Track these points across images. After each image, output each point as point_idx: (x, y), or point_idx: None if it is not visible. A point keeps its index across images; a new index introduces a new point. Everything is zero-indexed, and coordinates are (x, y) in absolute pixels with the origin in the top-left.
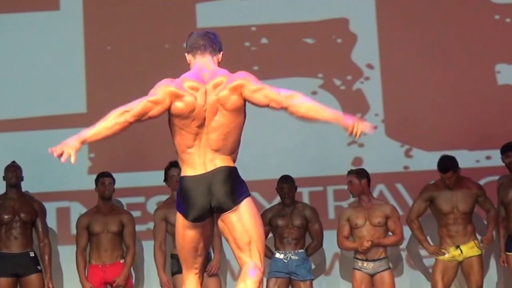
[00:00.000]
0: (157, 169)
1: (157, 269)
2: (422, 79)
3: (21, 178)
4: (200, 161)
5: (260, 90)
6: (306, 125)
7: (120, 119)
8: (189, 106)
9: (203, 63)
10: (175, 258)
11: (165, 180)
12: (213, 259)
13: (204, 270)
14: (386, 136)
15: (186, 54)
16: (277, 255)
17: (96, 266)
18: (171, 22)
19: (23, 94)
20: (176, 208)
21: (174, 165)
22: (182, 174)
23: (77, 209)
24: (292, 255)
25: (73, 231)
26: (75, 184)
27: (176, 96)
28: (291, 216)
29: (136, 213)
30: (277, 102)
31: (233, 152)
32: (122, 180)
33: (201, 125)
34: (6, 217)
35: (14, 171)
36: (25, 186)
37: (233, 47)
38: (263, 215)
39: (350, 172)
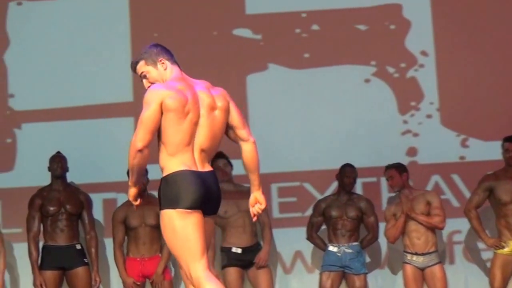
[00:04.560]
0: None
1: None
2: (479, 66)
3: (67, 169)
4: (193, 159)
5: (239, 112)
6: (359, 115)
7: (139, 158)
8: (181, 102)
9: (179, 71)
10: (225, 251)
11: None
12: (262, 250)
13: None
14: (441, 126)
15: (160, 61)
16: (330, 248)
17: (134, 259)
18: (219, 8)
19: (68, 83)
20: (166, 207)
21: (221, 155)
22: (176, 169)
23: (124, 201)
24: (345, 248)
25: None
26: (121, 174)
27: (167, 95)
28: (346, 207)
29: None
30: (246, 133)
31: (212, 156)
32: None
33: (195, 123)
34: (51, 209)
35: (59, 162)
36: (70, 177)
37: (283, 34)
38: (316, 206)
39: (390, 167)
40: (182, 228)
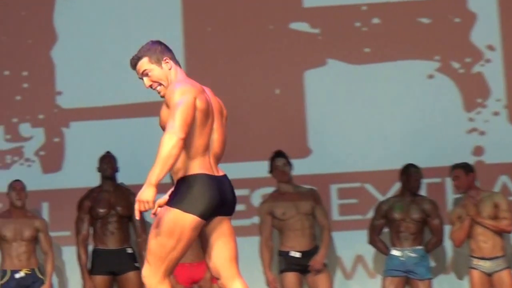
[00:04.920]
0: (262, 159)
1: (263, 266)
2: None
3: (117, 169)
4: (210, 164)
5: None
6: (422, 112)
7: (178, 149)
8: (207, 103)
9: (184, 72)
10: (283, 255)
11: (271, 171)
12: (318, 253)
13: None
14: (509, 123)
15: (164, 60)
16: (393, 252)
17: (183, 264)
18: (276, 1)
19: (118, 80)
20: (180, 207)
21: (280, 154)
22: (196, 172)
23: None
24: (409, 252)
25: None
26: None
27: (197, 93)
28: (409, 209)
29: (239, 207)
30: None
31: (219, 162)
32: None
33: (212, 128)
34: (101, 211)
35: (109, 162)
36: (120, 178)
37: (342, 28)
38: (377, 208)
39: (456, 166)
40: (183, 236)
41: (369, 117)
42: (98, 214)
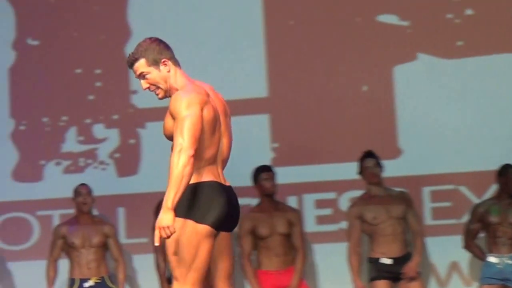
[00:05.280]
0: (350, 160)
1: (352, 274)
2: None
3: None
4: (217, 172)
5: None
6: None
7: (190, 167)
8: (215, 111)
9: (184, 73)
10: (373, 262)
11: (360, 172)
12: (411, 260)
13: None
14: None
15: (162, 62)
16: (490, 258)
17: (268, 272)
18: None
19: (196, 77)
20: (192, 217)
21: (370, 155)
22: (206, 179)
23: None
24: (507, 259)
25: None
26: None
27: (205, 102)
28: (507, 213)
29: (326, 211)
30: None
31: (226, 164)
32: (309, 173)
33: (220, 134)
34: None
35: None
36: None
37: (433, 20)
38: (473, 211)
39: None
40: (202, 246)
41: (463, 114)
42: None
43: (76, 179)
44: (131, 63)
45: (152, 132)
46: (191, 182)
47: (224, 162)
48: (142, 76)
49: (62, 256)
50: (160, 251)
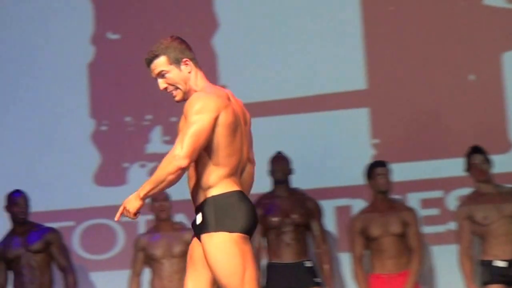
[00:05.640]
0: (456, 156)
1: (465, 279)
2: None
3: (290, 172)
4: (238, 179)
5: None
6: None
7: (176, 177)
8: (236, 115)
9: (204, 75)
10: (485, 265)
11: (467, 169)
12: None
13: None
14: None
15: (184, 61)
16: None
17: (380, 276)
18: None
19: (287, 70)
20: (222, 229)
21: (477, 150)
22: (230, 189)
23: (360, 208)
24: None
25: None
26: (356, 177)
27: (224, 106)
28: None
29: (432, 211)
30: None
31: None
32: (413, 170)
33: (242, 140)
34: (274, 220)
35: (281, 164)
36: (295, 182)
37: None
38: None
39: None
40: (244, 254)
41: None
42: (271, 223)
43: None
44: (150, 60)
45: None
46: (212, 194)
47: (242, 169)
48: (161, 75)
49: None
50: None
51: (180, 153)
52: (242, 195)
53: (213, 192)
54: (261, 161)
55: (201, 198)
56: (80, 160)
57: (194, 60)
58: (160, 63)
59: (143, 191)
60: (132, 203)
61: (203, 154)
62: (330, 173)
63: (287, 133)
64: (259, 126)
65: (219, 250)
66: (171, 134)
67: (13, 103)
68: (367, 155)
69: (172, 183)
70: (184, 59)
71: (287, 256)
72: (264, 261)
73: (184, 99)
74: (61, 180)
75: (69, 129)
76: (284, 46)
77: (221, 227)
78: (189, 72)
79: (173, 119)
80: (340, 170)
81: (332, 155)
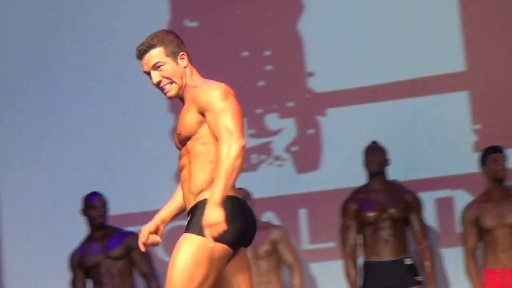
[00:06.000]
0: None
1: None
2: None
3: (387, 163)
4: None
5: None
6: None
7: (241, 158)
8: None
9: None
10: None
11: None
12: None
13: None
14: None
15: (180, 55)
16: None
17: (493, 270)
18: None
19: (380, 53)
20: (221, 240)
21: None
22: (230, 194)
23: (462, 199)
24: None
25: (459, 228)
26: (457, 166)
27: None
28: None
29: None
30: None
31: None
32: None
33: None
34: (370, 215)
35: (377, 155)
36: (392, 173)
37: None
38: None
39: None
40: (212, 267)
41: None
42: (367, 219)
43: (249, 178)
44: (145, 50)
45: (334, 120)
46: (205, 197)
47: None
48: (156, 67)
49: None
50: (349, 256)
51: (235, 134)
52: (236, 201)
53: (200, 197)
54: (354, 152)
55: (191, 202)
56: (159, 158)
57: (189, 56)
58: (156, 54)
59: (216, 194)
60: (214, 214)
61: (201, 150)
62: (429, 162)
63: (381, 121)
64: (351, 114)
65: (189, 250)
66: (256, 127)
67: (91, 100)
68: (468, 142)
69: (241, 167)
70: (181, 53)
71: (385, 254)
72: (361, 260)
73: (178, 95)
74: (140, 180)
75: (148, 126)
76: (377, 30)
77: (203, 233)
78: (185, 67)
79: (259, 110)
80: (440, 159)
81: (430, 143)
